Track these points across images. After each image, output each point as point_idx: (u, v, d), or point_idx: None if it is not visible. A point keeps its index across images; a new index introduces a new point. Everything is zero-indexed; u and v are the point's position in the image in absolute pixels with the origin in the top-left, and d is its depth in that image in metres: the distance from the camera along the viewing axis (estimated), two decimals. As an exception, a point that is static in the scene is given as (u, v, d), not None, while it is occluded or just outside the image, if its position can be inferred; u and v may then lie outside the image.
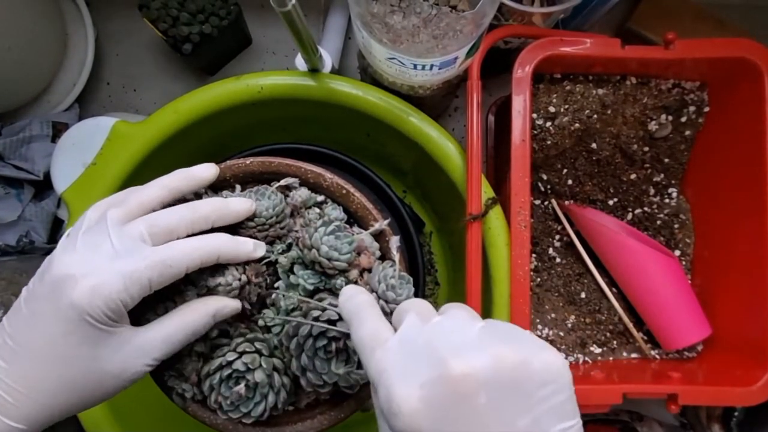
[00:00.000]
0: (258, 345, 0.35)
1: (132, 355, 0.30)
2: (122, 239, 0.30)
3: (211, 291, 0.34)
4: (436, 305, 0.67)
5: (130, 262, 0.29)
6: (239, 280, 0.34)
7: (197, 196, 0.37)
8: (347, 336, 0.33)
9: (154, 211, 0.33)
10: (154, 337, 0.31)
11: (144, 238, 0.31)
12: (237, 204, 0.35)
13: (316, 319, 0.33)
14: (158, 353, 0.31)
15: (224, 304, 0.33)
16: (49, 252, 0.56)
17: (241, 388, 0.34)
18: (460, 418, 0.23)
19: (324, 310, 0.33)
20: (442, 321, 0.27)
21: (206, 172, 0.35)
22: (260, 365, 0.34)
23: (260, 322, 0.37)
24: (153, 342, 0.31)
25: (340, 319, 0.33)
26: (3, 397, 0.28)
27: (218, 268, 0.34)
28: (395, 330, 0.28)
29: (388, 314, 0.34)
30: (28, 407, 0.29)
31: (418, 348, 0.25)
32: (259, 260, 0.36)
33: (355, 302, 0.30)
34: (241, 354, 0.34)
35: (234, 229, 0.36)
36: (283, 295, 0.36)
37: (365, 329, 0.28)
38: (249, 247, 0.34)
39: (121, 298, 0.29)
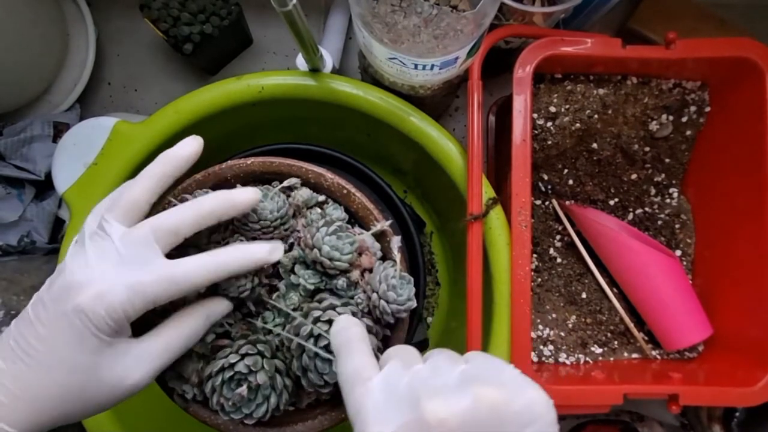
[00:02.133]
0: (260, 347, 0.35)
1: (132, 365, 0.30)
2: (128, 246, 0.30)
3: (217, 292, 0.34)
4: (436, 305, 0.66)
5: (137, 274, 0.29)
6: (252, 281, 0.34)
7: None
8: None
9: (149, 204, 0.32)
10: (154, 347, 0.31)
11: (150, 243, 0.30)
12: (241, 194, 0.33)
13: (312, 330, 0.33)
14: (158, 362, 0.31)
15: (217, 304, 0.33)
16: (50, 252, 0.56)
17: (243, 390, 0.34)
18: None
19: (316, 322, 0.33)
20: (425, 367, 0.26)
21: (188, 148, 0.33)
22: (263, 367, 0.34)
23: (259, 323, 0.37)
24: (153, 351, 0.31)
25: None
26: None
27: None
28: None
29: (389, 314, 0.34)
30: (24, 411, 0.28)
31: (398, 391, 0.25)
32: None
33: (346, 335, 0.30)
34: (244, 356, 0.34)
35: (239, 230, 0.36)
36: (284, 296, 0.36)
37: (350, 365, 0.28)
38: (263, 253, 0.33)
39: (124, 309, 0.29)
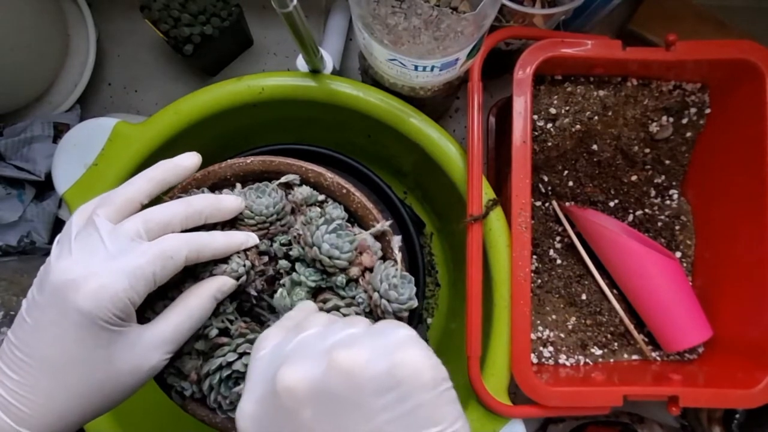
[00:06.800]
0: None
1: (146, 350, 0.30)
2: (117, 238, 0.30)
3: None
4: (436, 306, 0.66)
5: (131, 259, 0.29)
6: (243, 265, 0.34)
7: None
8: None
9: (141, 204, 0.33)
10: (164, 330, 0.31)
11: (140, 234, 0.30)
12: (228, 201, 0.35)
13: None
14: (171, 345, 0.31)
15: (223, 282, 0.34)
16: (49, 252, 0.56)
17: (240, 388, 0.34)
18: None
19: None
20: (312, 333, 0.26)
21: (189, 160, 0.35)
22: None
23: (265, 314, 0.37)
24: (164, 334, 0.31)
25: None
26: (21, 410, 0.28)
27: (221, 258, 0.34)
28: None
29: (390, 313, 0.34)
30: (51, 418, 0.28)
31: (274, 361, 0.25)
32: (260, 254, 0.36)
33: (297, 307, 0.32)
34: (242, 355, 0.34)
35: (233, 226, 0.36)
36: (284, 295, 0.36)
37: (268, 329, 0.29)
38: (240, 238, 0.35)
39: (128, 296, 0.29)
